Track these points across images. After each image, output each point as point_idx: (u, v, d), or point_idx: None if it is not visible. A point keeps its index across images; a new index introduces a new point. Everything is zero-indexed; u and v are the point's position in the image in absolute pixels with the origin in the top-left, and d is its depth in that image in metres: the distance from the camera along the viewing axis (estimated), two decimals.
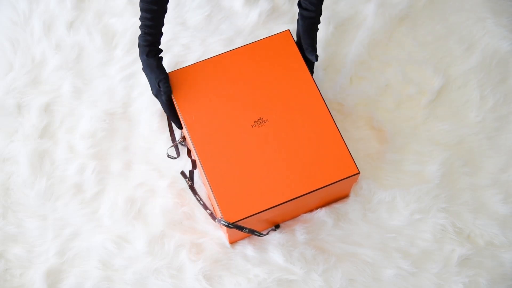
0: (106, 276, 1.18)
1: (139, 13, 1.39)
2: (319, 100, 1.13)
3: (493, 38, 1.38)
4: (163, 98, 1.15)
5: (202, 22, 1.39)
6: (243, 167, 1.09)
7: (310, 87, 1.14)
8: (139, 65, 1.35)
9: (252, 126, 1.11)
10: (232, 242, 1.20)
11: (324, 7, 1.40)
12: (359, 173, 1.08)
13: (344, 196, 1.23)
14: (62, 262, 1.19)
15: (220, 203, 1.07)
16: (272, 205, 1.06)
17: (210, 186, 1.08)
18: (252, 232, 1.14)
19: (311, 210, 1.22)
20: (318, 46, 1.37)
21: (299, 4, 1.14)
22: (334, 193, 1.18)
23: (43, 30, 1.38)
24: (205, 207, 1.20)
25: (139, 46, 1.12)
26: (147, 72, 1.14)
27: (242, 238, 1.20)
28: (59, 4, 1.40)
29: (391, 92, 1.33)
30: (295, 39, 1.21)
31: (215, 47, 1.34)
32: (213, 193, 1.07)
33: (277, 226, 1.21)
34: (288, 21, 1.39)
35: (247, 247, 1.19)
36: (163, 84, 1.13)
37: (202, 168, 1.09)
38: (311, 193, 1.08)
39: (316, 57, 1.16)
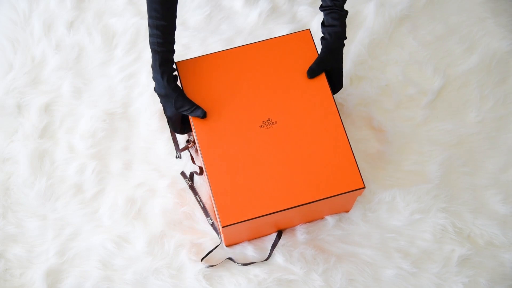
0: (106, 276, 1.18)
1: (139, 13, 1.39)
2: (332, 107, 1.09)
3: (493, 38, 1.38)
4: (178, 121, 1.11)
5: (202, 22, 1.39)
6: (246, 168, 1.05)
7: (324, 92, 1.10)
8: (139, 65, 1.35)
9: (260, 126, 1.08)
10: (228, 245, 1.19)
11: None
12: (364, 187, 1.05)
13: (344, 211, 1.22)
14: (62, 262, 1.19)
15: (218, 203, 1.04)
16: (271, 211, 1.04)
17: (210, 185, 1.05)
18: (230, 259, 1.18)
19: (310, 221, 1.22)
20: (317, 45, 1.37)
21: (323, 24, 1.11)
22: (336, 206, 1.18)
23: (43, 30, 1.38)
24: (205, 211, 1.21)
25: (153, 66, 1.06)
26: (165, 95, 1.07)
27: (239, 242, 1.20)
28: (59, 4, 1.40)
29: (391, 92, 1.33)
30: (315, 41, 1.17)
31: (215, 47, 1.34)
32: (212, 193, 1.05)
33: (279, 235, 1.20)
34: (288, 21, 1.39)
35: (247, 247, 1.19)
36: (192, 113, 1.08)
37: (204, 165, 1.07)
38: (312, 203, 1.05)
39: (340, 86, 1.14)
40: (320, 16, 1.38)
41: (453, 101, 1.33)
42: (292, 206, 1.04)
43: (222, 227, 1.04)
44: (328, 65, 1.11)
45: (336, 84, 1.15)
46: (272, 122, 1.08)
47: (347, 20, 1.39)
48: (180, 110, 1.07)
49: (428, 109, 1.32)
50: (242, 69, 1.12)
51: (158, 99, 1.29)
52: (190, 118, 1.09)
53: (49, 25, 1.39)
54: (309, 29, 1.15)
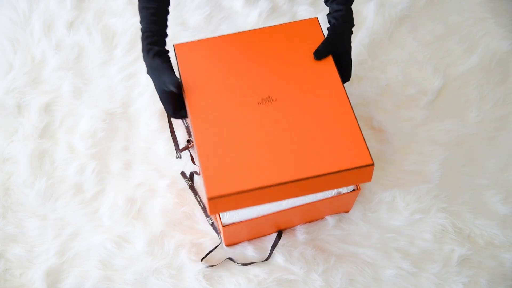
0: (106, 276, 1.18)
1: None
2: (339, 86, 1.01)
3: (493, 38, 1.38)
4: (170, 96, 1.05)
5: (202, 22, 1.39)
6: (240, 140, 0.96)
7: (331, 74, 1.03)
8: (139, 65, 1.35)
9: (259, 103, 1.00)
10: (228, 245, 1.19)
11: (324, 6, 1.41)
12: (373, 164, 0.93)
13: (344, 211, 1.22)
14: (62, 262, 1.19)
15: (205, 173, 0.92)
16: (265, 185, 0.92)
17: (197, 153, 0.95)
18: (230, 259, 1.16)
19: (310, 221, 1.22)
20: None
21: (328, 13, 1.09)
22: (336, 206, 1.17)
23: (43, 30, 1.38)
24: (205, 211, 1.21)
25: (142, 49, 1.04)
26: (151, 71, 1.04)
27: (239, 242, 1.20)
28: (59, 4, 1.40)
29: (391, 92, 1.33)
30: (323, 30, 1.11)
31: None
32: (199, 161, 0.94)
33: (279, 235, 1.20)
34: (288, 21, 1.39)
35: (247, 247, 1.19)
36: (174, 86, 1.02)
37: (194, 136, 0.98)
38: (311, 182, 0.93)
39: (349, 75, 1.08)
40: (320, 16, 1.38)
41: (453, 101, 1.33)
42: (288, 181, 0.92)
43: (209, 199, 0.92)
44: (335, 48, 1.07)
45: (344, 72, 1.10)
46: (272, 99, 1.01)
47: None
48: (166, 85, 1.03)
49: (428, 109, 1.32)
50: (244, 52, 1.06)
51: (158, 99, 1.29)
52: (184, 94, 1.03)
53: (49, 25, 1.39)
54: (317, 17, 1.11)
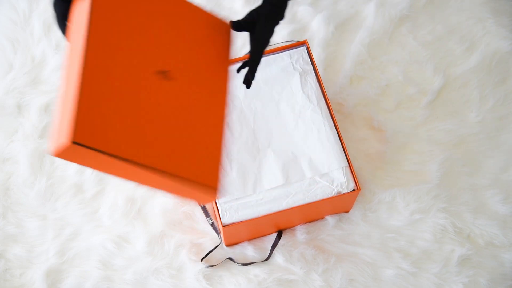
0: (106, 276, 1.18)
1: None
2: (222, 100, 0.97)
3: (493, 38, 1.38)
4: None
5: None
6: (121, 102, 0.87)
7: (222, 83, 0.98)
8: None
9: (156, 72, 0.93)
10: (228, 245, 1.19)
11: (324, 6, 1.41)
12: (216, 189, 0.90)
13: (344, 211, 1.22)
14: (62, 262, 1.19)
15: (80, 115, 0.80)
16: (129, 158, 0.85)
17: (77, 93, 0.81)
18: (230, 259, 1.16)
19: (310, 221, 1.22)
20: (317, 45, 1.37)
21: None
22: (335, 207, 1.17)
23: (43, 30, 1.38)
24: (205, 211, 1.20)
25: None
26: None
27: (239, 242, 1.20)
28: None
29: (391, 92, 1.33)
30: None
31: None
32: (74, 102, 0.81)
33: (279, 235, 1.20)
34: (288, 21, 1.39)
35: (247, 248, 1.19)
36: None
37: (80, 74, 0.84)
38: (160, 176, 0.89)
39: (248, 82, 0.99)
40: (320, 16, 1.38)
41: (453, 101, 1.33)
42: (147, 165, 0.87)
43: (73, 142, 0.80)
44: (255, 28, 0.97)
45: (252, 56, 0.99)
46: (170, 78, 0.94)
47: (346, 20, 1.40)
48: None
49: (428, 109, 1.32)
50: (159, 16, 0.97)
51: None
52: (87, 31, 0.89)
53: (49, 25, 1.39)
54: (232, 21, 1.00)
